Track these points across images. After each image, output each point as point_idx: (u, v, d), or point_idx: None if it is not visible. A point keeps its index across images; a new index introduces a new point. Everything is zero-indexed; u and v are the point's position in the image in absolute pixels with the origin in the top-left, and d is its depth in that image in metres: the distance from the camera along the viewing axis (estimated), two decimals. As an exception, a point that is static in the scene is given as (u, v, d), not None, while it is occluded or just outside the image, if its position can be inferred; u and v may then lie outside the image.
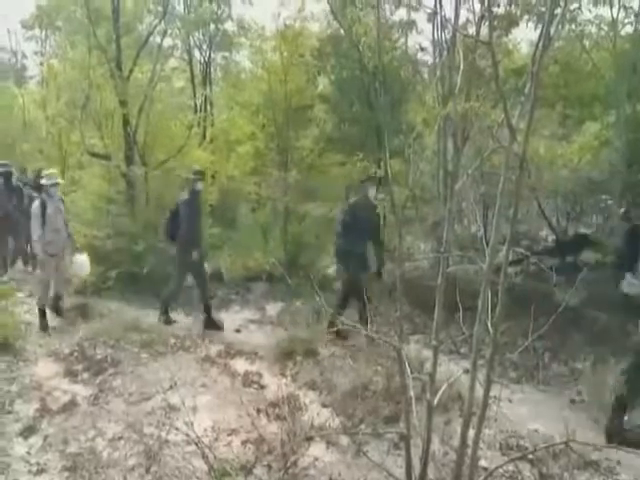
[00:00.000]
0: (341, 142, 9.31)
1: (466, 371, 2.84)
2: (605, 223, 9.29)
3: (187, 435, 3.43)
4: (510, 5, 6.27)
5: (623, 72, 7.27)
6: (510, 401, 4.44)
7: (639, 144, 7.20)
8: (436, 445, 3.39)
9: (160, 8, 9.06)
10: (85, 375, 4.70)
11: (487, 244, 2.50)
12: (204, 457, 3.09)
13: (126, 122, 8.09)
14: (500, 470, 3.05)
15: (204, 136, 10.67)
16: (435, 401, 2.62)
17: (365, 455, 3.08)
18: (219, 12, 13.76)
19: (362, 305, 5.34)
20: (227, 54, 15.78)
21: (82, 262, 6.69)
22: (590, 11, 7.50)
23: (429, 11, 2.60)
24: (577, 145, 7.03)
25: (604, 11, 7.59)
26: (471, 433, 2.56)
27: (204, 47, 14.69)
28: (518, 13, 6.50)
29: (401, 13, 9.51)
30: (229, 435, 3.71)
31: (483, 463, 3.29)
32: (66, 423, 3.86)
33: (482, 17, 2.72)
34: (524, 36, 7.86)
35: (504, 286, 2.37)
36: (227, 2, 13.79)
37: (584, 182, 8.06)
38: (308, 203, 9.02)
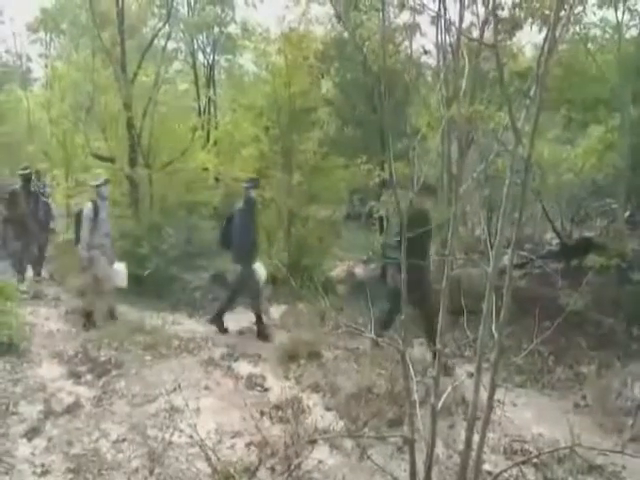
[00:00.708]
0: (344, 145, 9.32)
1: (470, 375, 2.84)
2: (609, 226, 9.26)
3: (191, 437, 3.43)
4: (514, 8, 6.27)
5: (628, 75, 7.26)
6: (514, 405, 4.43)
7: (644, 147, 7.19)
8: (440, 449, 3.38)
9: (164, 11, 9.12)
10: (89, 377, 4.70)
11: (491, 247, 2.50)
12: (207, 459, 3.08)
13: (130, 125, 8.13)
14: (504, 474, 3.03)
15: (208, 139, 10.71)
16: (439, 405, 2.62)
17: (369, 459, 3.07)
18: (223, 15, 13.85)
19: (428, 322, 4.99)
20: (231, 57, 15.87)
21: (120, 270, 6.43)
22: (595, 14, 7.51)
23: (433, 14, 2.61)
24: (581, 149, 7.01)
25: (609, 14, 7.59)
26: (475, 437, 2.55)
27: (208, 50, 14.82)
28: (522, 16, 6.50)
29: (405, 16, 9.54)
30: (232, 437, 3.71)
31: (487, 467, 3.27)
32: (70, 425, 3.86)
33: (486, 20, 2.72)
34: (529, 39, 7.86)
35: (509, 290, 2.36)
36: (231, 5, 13.89)
37: (588, 185, 8.05)
38: (311, 205, 9.02)
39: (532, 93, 2.31)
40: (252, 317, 7.00)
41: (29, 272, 8.43)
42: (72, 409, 4.08)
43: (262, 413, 4.03)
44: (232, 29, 14.42)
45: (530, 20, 6.75)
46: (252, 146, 9.72)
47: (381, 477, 3.21)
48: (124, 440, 3.66)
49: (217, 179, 10.19)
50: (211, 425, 3.85)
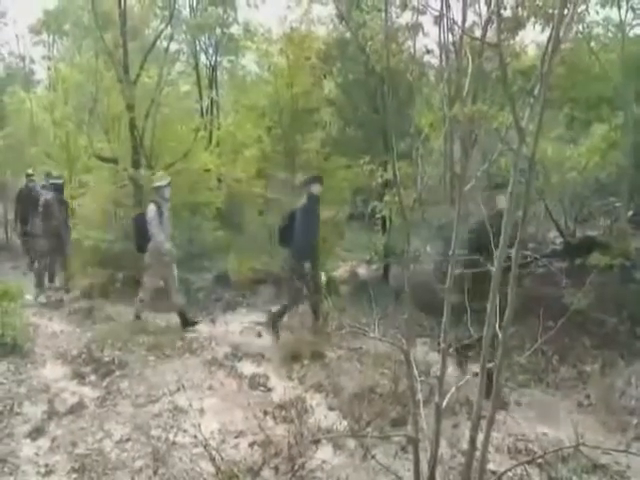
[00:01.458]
0: (347, 145, 9.30)
1: (475, 374, 2.83)
2: (613, 225, 9.24)
3: (194, 437, 3.44)
4: (517, 7, 6.24)
5: (631, 74, 7.23)
6: (518, 404, 4.42)
7: (647, 146, 7.17)
8: (444, 448, 3.37)
9: (166, 13, 9.13)
10: (92, 377, 4.72)
11: (495, 247, 2.49)
12: (211, 459, 3.09)
13: (133, 126, 8.14)
14: (509, 473, 3.03)
15: (210, 139, 10.72)
16: (444, 404, 2.61)
17: (374, 459, 3.07)
18: (225, 16, 13.84)
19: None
20: (233, 58, 15.86)
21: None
22: (598, 12, 7.48)
23: (436, 14, 2.60)
24: (585, 147, 6.99)
25: (612, 12, 7.57)
26: (480, 436, 2.55)
27: (210, 51, 14.80)
28: (525, 15, 6.46)
29: (407, 16, 9.51)
30: (236, 437, 3.71)
31: (491, 467, 3.26)
32: (74, 425, 3.87)
33: (489, 19, 2.72)
34: (531, 38, 7.85)
35: (514, 289, 2.36)
36: (233, 6, 13.87)
37: (592, 184, 8.02)
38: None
39: (536, 92, 2.30)
40: (254, 317, 7.02)
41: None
42: (76, 409, 4.10)
43: (265, 413, 4.04)
44: (234, 30, 14.43)
45: (533, 19, 6.74)
46: (254, 147, 9.71)
47: (384, 477, 3.21)
48: (128, 440, 3.67)
49: (219, 180, 10.20)
50: (215, 425, 3.85)
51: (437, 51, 8.83)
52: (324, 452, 3.49)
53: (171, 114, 9.04)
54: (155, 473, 3.26)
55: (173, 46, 10.75)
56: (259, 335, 6.30)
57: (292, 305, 6.14)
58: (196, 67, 14.18)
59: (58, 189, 7.55)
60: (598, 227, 10.03)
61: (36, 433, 3.73)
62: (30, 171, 9.66)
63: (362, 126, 9.28)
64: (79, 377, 4.70)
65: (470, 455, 2.57)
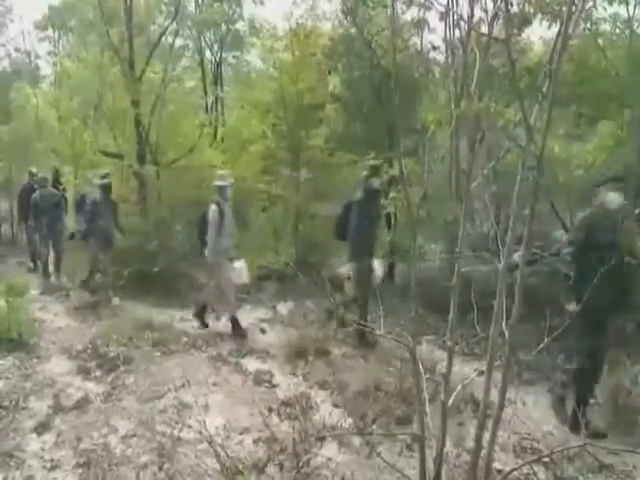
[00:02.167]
0: (352, 141, 9.27)
1: (481, 373, 2.82)
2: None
3: (199, 433, 3.44)
4: (524, 3, 6.19)
5: (638, 70, 7.16)
6: (524, 403, 4.40)
7: (655, 144, 7.10)
8: (449, 447, 3.36)
9: (172, 9, 9.11)
10: (98, 372, 4.73)
11: (501, 244, 2.48)
12: (216, 455, 3.09)
13: (138, 122, 8.14)
14: (515, 472, 3.01)
15: (215, 135, 10.71)
16: (449, 402, 2.60)
17: (379, 456, 3.06)
18: (230, 12, 13.83)
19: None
20: (238, 54, 15.85)
21: (240, 269, 6.13)
22: (605, 9, 7.41)
23: (442, 9, 2.58)
24: (592, 144, 6.94)
25: (620, 9, 7.50)
26: (486, 435, 2.54)
27: (215, 47, 14.80)
28: (532, 11, 6.41)
29: (413, 12, 9.46)
30: (241, 434, 3.72)
31: (497, 465, 3.26)
32: (79, 420, 3.89)
33: (495, 15, 2.70)
34: (540, 34, 7.79)
35: (521, 287, 2.34)
36: (238, 2, 13.85)
37: (598, 182, 7.95)
38: (319, 202, 9.00)
39: (545, 89, 2.28)
40: (259, 314, 7.02)
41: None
42: (81, 404, 4.11)
43: (270, 409, 4.04)
44: (240, 26, 14.43)
45: (540, 16, 6.69)
46: (259, 143, 9.71)
47: (389, 474, 3.20)
48: (133, 435, 3.68)
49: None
50: (219, 421, 3.86)
51: (443, 47, 8.77)
52: (329, 449, 3.49)
53: (176, 110, 9.03)
54: (160, 469, 3.26)
55: (178, 42, 10.74)
56: (263, 331, 6.30)
57: (365, 303, 5.72)
58: (201, 63, 14.17)
59: (106, 189, 7.34)
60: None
61: (42, 428, 3.74)
62: (34, 170, 9.62)
63: (367, 122, 9.24)
64: (84, 372, 4.72)
65: (476, 454, 2.56)
